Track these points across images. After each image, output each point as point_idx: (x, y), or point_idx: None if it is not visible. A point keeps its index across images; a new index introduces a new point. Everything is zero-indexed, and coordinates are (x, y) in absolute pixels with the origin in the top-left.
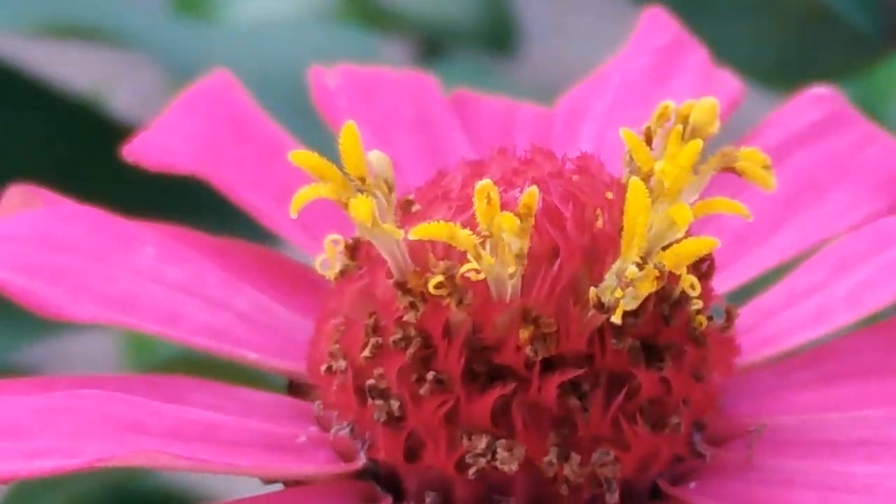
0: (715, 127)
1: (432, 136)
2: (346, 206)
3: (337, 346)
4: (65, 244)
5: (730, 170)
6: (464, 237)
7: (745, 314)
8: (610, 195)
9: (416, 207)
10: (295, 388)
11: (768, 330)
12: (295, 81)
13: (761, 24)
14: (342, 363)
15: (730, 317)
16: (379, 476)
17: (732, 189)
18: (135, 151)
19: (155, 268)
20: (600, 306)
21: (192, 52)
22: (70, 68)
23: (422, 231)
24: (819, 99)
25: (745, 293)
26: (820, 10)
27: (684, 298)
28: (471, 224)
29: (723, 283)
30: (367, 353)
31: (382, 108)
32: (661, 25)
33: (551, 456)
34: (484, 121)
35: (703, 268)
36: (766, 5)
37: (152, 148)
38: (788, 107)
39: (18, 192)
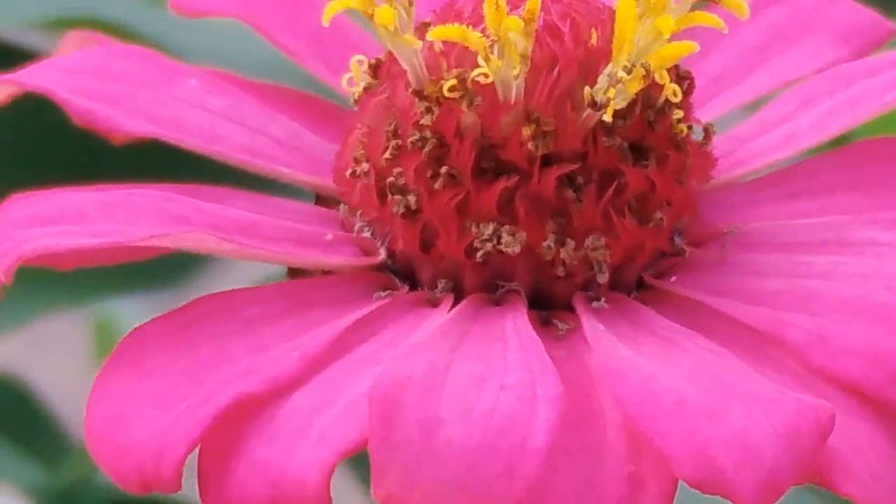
0: None
1: None
2: (371, 16)
3: (361, 151)
4: (119, 75)
5: None
6: (475, 38)
7: (722, 142)
8: (603, 17)
9: (433, 28)
10: (321, 202)
11: (742, 154)
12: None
13: None
14: (365, 166)
15: (707, 134)
16: (396, 269)
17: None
18: (179, 3)
19: (199, 97)
20: (594, 104)
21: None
22: None
23: (438, 32)
24: None
25: (722, 126)
26: None
27: (667, 106)
28: (483, 33)
29: (704, 115)
30: (387, 154)
31: None
32: None
33: (549, 241)
34: None
35: (684, 85)
36: None
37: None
38: None
39: (73, 38)
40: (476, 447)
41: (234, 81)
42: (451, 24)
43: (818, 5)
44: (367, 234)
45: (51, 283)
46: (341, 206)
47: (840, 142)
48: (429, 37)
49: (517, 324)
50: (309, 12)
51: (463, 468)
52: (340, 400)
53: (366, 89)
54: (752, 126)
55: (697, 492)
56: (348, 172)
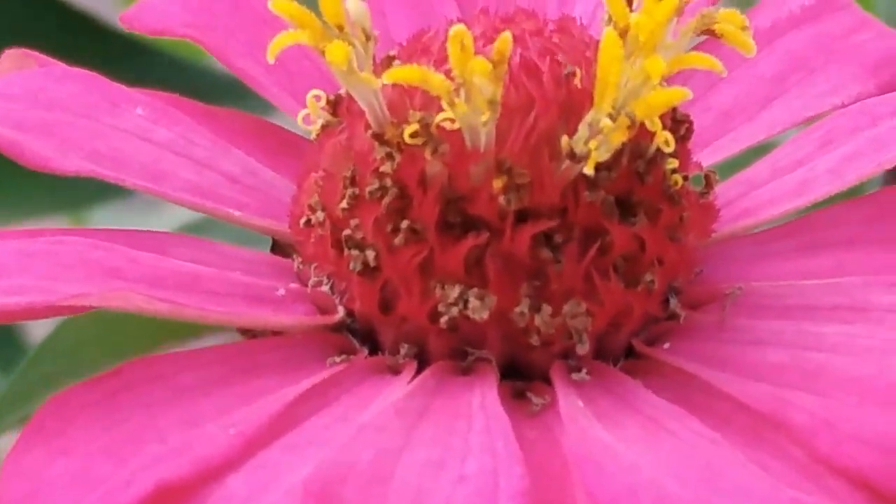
0: None
1: (426, 10)
2: (322, 52)
3: (316, 198)
4: (55, 101)
5: (709, 32)
6: (437, 81)
7: (728, 187)
8: (589, 54)
9: (397, 63)
10: (278, 248)
11: (750, 202)
12: None
13: None
14: (320, 215)
15: (709, 182)
16: (355, 330)
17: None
18: (130, 19)
19: (144, 127)
20: (573, 156)
21: None
22: None
23: (395, 74)
24: None
25: (730, 168)
26: None
27: (659, 156)
28: (448, 75)
29: (709, 157)
30: (343, 203)
31: None
32: None
33: (522, 306)
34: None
35: (680, 130)
36: None
37: (149, 15)
38: None
39: (10, 56)
40: None
41: (185, 108)
42: (412, 65)
43: (844, 31)
44: (324, 289)
45: None
46: (296, 257)
47: (859, 189)
48: (385, 79)
49: (485, 399)
50: (272, 35)
51: None
52: (279, 486)
53: (324, 127)
54: (764, 169)
55: None
56: (302, 221)
